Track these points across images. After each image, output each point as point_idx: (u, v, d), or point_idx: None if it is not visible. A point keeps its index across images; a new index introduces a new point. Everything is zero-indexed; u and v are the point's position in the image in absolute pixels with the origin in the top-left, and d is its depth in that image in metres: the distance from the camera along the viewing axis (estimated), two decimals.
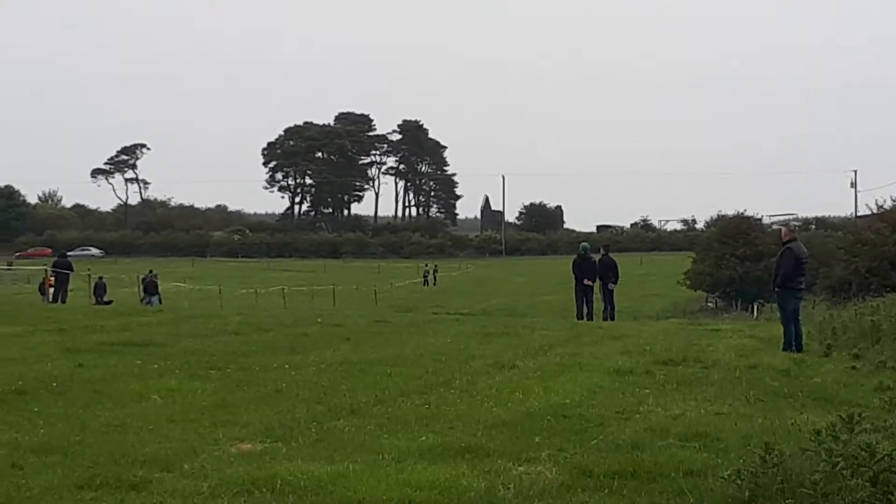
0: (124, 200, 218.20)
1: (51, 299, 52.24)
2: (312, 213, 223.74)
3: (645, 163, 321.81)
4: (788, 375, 17.53)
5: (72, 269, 53.93)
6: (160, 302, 74.48)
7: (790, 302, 22.74)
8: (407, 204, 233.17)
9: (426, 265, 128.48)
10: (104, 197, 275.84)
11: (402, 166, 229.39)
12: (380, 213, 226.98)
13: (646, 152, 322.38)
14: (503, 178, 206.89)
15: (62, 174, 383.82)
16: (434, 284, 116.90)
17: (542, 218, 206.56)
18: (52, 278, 54.37)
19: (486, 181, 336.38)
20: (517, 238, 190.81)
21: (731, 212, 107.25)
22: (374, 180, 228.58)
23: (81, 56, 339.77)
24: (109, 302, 60.72)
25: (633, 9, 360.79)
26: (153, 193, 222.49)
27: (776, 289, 23.59)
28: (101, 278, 66.91)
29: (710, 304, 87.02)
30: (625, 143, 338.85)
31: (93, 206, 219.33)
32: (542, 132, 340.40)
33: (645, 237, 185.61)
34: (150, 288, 70.68)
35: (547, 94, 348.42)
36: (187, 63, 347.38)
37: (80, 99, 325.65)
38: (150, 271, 74.11)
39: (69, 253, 64.69)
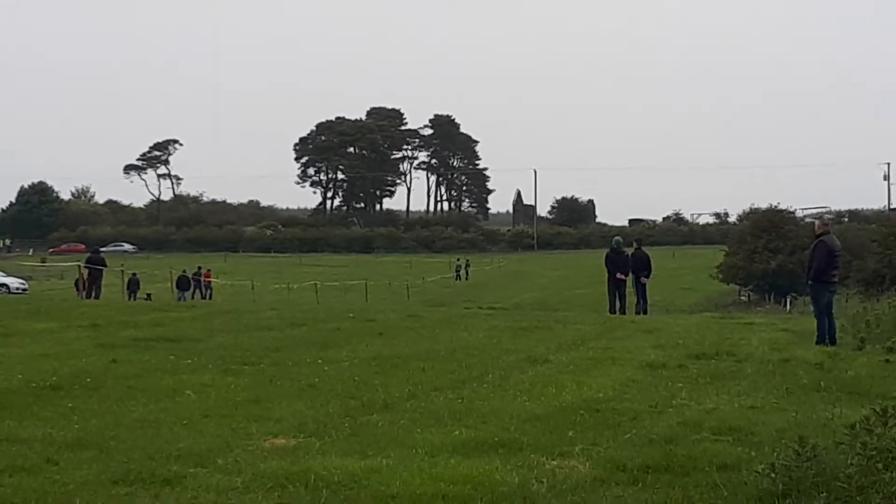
0: (157, 196, 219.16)
1: (84, 295, 52.51)
2: (344, 207, 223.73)
3: (677, 156, 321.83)
4: (822, 369, 17.46)
5: (105, 265, 54.18)
6: (210, 297, 74.99)
7: (823, 295, 22.64)
8: (439, 198, 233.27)
9: (458, 260, 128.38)
10: (137, 193, 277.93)
11: (433, 161, 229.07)
12: (411, 208, 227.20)
13: (678, 146, 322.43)
14: (535, 172, 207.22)
15: (95, 170, 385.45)
16: (466, 279, 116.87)
17: (574, 212, 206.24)
18: (86, 274, 54.66)
19: (517, 175, 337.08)
20: (549, 232, 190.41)
21: (763, 205, 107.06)
22: (405, 175, 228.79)
23: (114, 52, 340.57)
24: (148, 296, 61.12)
25: (662, 1, 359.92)
26: (185, 189, 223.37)
27: (809, 282, 23.49)
28: (134, 274, 67.42)
29: (742, 297, 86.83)
30: (657, 137, 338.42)
31: (125, 201, 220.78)
32: (574, 126, 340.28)
33: (677, 231, 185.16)
34: (182, 283, 71.10)
35: (579, 87, 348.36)
36: (220, 58, 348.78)
37: (112, 95, 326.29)
38: (184, 270, 74.61)
39: (102, 249, 64.82)
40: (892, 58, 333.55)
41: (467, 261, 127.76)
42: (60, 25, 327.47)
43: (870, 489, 7.45)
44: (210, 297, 78.19)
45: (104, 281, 53.41)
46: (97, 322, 25.47)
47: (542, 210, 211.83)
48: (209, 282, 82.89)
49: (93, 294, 50.93)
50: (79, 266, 58.72)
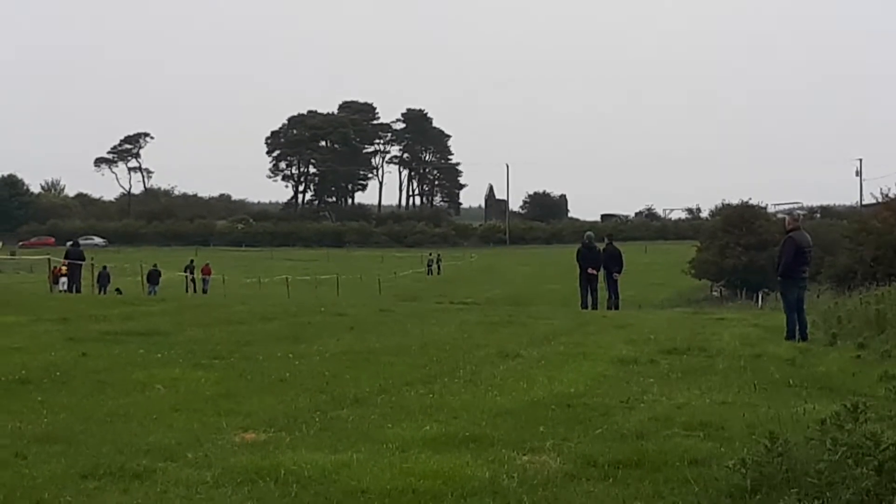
0: (128, 189, 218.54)
1: (63, 289, 52.34)
2: (316, 202, 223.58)
3: (649, 151, 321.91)
4: (793, 364, 17.52)
5: (83, 259, 54.04)
6: (205, 292, 74.90)
7: (792, 291, 22.71)
8: (411, 193, 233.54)
9: (430, 254, 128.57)
10: (108, 186, 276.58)
11: (405, 155, 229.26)
12: (383, 202, 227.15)
13: (650, 141, 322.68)
14: (507, 166, 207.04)
15: (65, 163, 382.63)
16: (438, 273, 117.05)
17: (546, 207, 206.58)
18: (65, 267, 54.49)
19: (490, 170, 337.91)
20: (521, 227, 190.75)
21: (735, 200, 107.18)
22: (377, 169, 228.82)
23: (85, 44, 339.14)
24: (118, 291, 60.96)
25: None
26: (157, 182, 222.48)
27: (778, 278, 23.58)
28: (104, 268, 67.09)
29: (714, 292, 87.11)
30: (629, 132, 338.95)
31: (96, 195, 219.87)
32: (547, 121, 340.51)
33: (649, 226, 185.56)
34: (153, 277, 70.94)
35: (551, 82, 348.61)
36: (191, 51, 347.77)
37: (83, 87, 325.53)
38: (155, 265, 74.50)
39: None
40: (865, 53, 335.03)
41: (438, 255, 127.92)
42: (30, 14, 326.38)
43: (840, 485, 7.46)
44: (205, 292, 78.11)
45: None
46: (66, 316, 25.36)
47: (515, 205, 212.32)
48: (207, 277, 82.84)
49: (73, 289, 50.81)
50: (49, 259, 58.54)
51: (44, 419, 11.96)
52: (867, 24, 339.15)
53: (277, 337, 21.85)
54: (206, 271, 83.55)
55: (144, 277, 72.67)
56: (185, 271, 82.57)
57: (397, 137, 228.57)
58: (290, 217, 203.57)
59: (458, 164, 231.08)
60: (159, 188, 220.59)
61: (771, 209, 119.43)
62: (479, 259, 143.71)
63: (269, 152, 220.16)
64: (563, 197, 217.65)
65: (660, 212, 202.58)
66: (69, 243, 58.94)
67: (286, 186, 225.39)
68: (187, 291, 77.40)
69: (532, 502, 8.49)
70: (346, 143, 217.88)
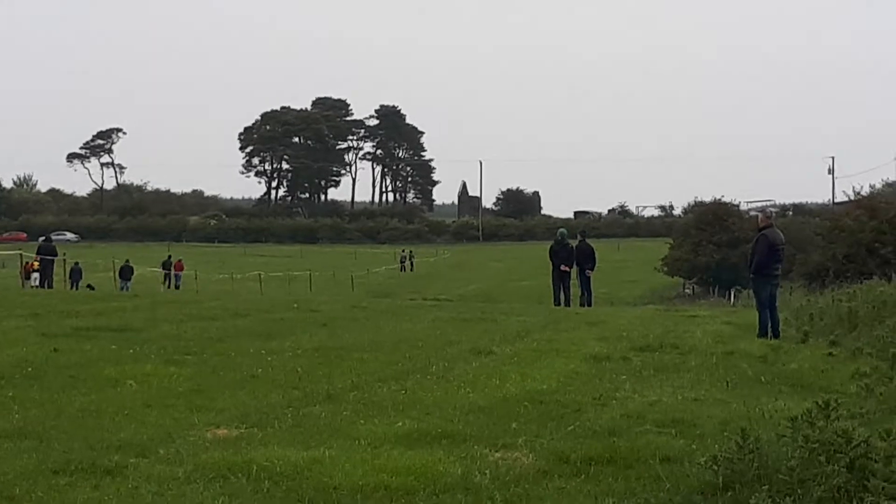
0: (100, 185, 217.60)
1: (35, 284, 52.12)
2: (289, 198, 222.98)
3: (622, 149, 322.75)
4: (765, 362, 17.59)
5: (56, 255, 53.84)
6: (178, 287, 74.67)
7: (765, 288, 22.75)
8: (384, 189, 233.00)
9: (403, 251, 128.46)
10: (80, 181, 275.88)
11: (379, 151, 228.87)
12: (357, 199, 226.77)
13: (623, 138, 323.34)
14: (480, 163, 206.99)
15: (37, 158, 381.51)
16: (411, 270, 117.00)
17: (519, 204, 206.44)
18: (37, 263, 54.28)
19: (463, 167, 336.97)
20: (494, 224, 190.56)
21: (708, 198, 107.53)
22: (351, 165, 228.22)
23: (57, 40, 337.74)
24: (90, 287, 60.72)
25: None
26: (129, 178, 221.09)
27: (751, 275, 23.62)
28: (76, 263, 66.91)
29: (687, 290, 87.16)
30: (602, 129, 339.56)
31: (68, 190, 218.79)
32: (520, 118, 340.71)
33: (622, 223, 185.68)
34: (125, 273, 70.75)
35: (524, 80, 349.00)
36: (164, 47, 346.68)
37: (55, 83, 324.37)
38: (127, 260, 74.26)
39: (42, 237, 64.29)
40: (837, 51, 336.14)
41: (411, 252, 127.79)
42: (1, 9, 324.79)
43: (811, 482, 7.48)
44: (178, 287, 77.77)
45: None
46: (38, 311, 25.27)
47: (488, 202, 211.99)
48: (179, 273, 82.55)
49: (45, 284, 50.60)
50: (20, 254, 58.28)
51: (15, 415, 11.92)
52: (840, 22, 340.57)
53: (250, 333, 21.81)
54: (178, 267, 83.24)
55: (117, 273, 72.48)
56: (164, 268, 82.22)
57: (370, 134, 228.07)
58: (263, 213, 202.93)
59: (431, 160, 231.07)
60: (132, 184, 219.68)
61: (744, 207, 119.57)
62: (453, 256, 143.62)
63: (242, 148, 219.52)
64: (536, 194, 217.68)
65: (633, 209, 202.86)
66: (41, 238, 58.75)
67: (259, 182, 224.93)
68: (168, 287, 76.94)
69: (504, 499, 8.50)
70: (320, 139, 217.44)
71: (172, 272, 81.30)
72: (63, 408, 12.50)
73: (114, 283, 70.77)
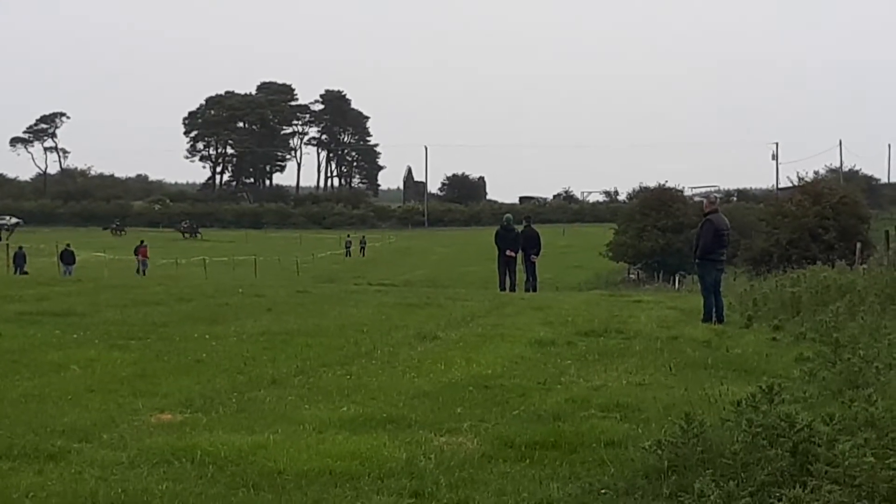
0: (43, 169, 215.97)
1: None
2: (234, 183, 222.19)
3: (567, 134, 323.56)
4: (709, 346, 17.66)
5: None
6: (144, 273, 73.83)
7: (710, 273, 22.86)
8: (329, 174, 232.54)
9: (348, 236, 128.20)
10: (23, 166, 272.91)
11: (324, 136, 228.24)
12: (302, 184, 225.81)
13: (568, 124, 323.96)
14: (426, 148, 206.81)
15: None
16: (362, 255, 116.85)
17: (464, 189, 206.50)
18: None
19: (408, 152, 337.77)
20: (440, 209, 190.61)
21: (652, 183, 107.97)
22: (296, 150, 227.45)
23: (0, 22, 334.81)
24: (26, 273, 60.32)
25: None
26: (73, 162, 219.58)
27: (696, 260, 23.72)
28: (20, 248, 66.44)
29: (632, 275, 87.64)
30: (548, 114, 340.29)
31: (11, 175, 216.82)
32: (465, 103, 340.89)
33: (567, 208, 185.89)
34: (67, 258, 70.23)
35: (469, 64, 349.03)
36: (108, 31, 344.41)
37: None
38: (68, 245, 73.61)
39: None
40: (782, 37, 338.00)
41: (363, 237, 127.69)
42: None
43: (755, 465, 7.53)
44: (144, 273, 77.03)
45: None
46: None
47: (433, 187, 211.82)
48: (145, 259, 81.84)
49: None
50: None
51: None
52: (782, 9, 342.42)
53: (194, 318, 21.74)
54: (142, 253, 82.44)
55: (59, 257, 72.00)
56: (136, 254, 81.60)
57: (315, 119, 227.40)
58: (208, 198, 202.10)
59: (376, 145, 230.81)
60: (75, 168, 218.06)
61: (688, 192, 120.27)
62: (398, 241, 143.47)
63: (186, 133, 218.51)
64: (481, 179, 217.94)
65: (577, 194, 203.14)
66: None
67: (204, 167, 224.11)
68: (138, 273, 76.01)
69: (449, 483, 8.50)
70: (264, 124, 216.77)
71: (140, 258, 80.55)
72: (5, 393, 12.43)
73: (57, 268, 70.27)
